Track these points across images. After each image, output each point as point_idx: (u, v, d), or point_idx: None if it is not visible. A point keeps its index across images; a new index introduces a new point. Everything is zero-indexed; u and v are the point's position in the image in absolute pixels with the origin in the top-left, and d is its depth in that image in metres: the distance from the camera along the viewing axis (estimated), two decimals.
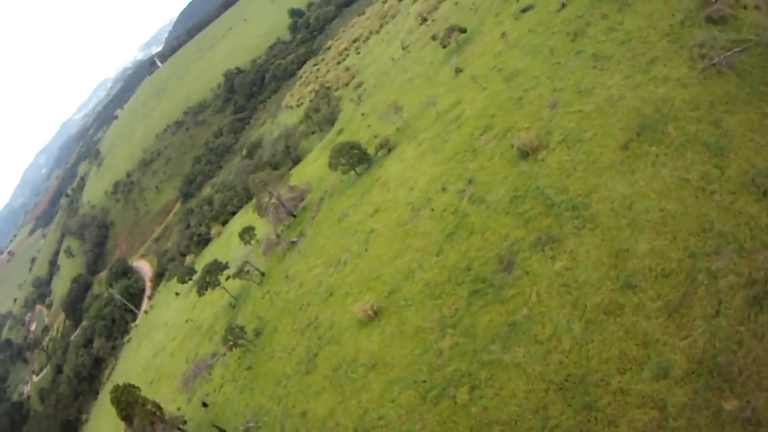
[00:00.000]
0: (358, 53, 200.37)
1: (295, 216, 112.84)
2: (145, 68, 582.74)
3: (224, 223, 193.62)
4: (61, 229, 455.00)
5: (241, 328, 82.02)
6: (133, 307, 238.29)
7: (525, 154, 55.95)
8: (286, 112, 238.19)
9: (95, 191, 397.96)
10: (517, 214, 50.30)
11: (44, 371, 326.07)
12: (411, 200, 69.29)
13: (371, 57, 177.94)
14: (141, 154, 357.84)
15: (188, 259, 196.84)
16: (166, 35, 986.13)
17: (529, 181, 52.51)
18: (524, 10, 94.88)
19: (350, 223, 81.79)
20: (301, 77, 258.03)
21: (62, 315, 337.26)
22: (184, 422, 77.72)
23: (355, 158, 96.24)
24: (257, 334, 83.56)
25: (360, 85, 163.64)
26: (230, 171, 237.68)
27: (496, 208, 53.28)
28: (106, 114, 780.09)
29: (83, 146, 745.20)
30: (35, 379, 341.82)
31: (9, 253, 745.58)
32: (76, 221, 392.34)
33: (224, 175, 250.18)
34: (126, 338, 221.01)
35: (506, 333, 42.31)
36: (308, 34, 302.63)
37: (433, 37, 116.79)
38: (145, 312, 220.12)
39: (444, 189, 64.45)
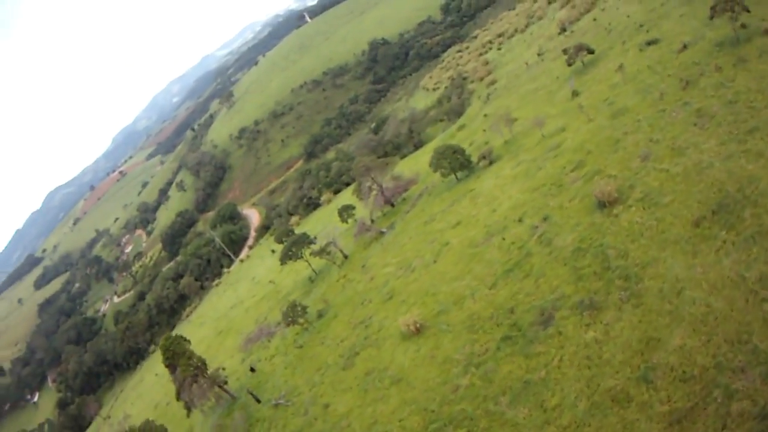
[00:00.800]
0: (500, 49, 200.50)
1: (393, 205, 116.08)
2: (294, 20, 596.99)
3: (336, 192, 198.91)
4: (180, 161, 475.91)
5: (303, 308, 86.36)
6: (231, 254, 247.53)
7: (602, 204, 56.02)
8: (422, 94, 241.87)
9: (220, 132, 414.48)
10: (573, 267, 50.66)
11: (126, 295, 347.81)
12: (489, 223, 71.06)
13: (510, 55, 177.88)
14: (273, 105, 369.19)
15: (293, 219, 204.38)
16: None
17: (597, 235, 52.77)
18: (649, 43, 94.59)
19: (433, 229, 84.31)
20: (443, 61, 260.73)
21: (159, 245, 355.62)
22: (225, 382, 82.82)
23: (456, 163, 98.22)
24: (319, 316, 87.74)
25: (493, 83, 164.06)
26: (355, 141, 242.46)
27: (557, 256, 53.85)
28: (248, 57, 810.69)
29: (219, 84, 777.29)
30: (116, 300, 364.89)
31: (120, 172, 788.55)
32: (195, 157, 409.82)
33: (350, 142, 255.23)
34: (215, 282, 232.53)
35: (518, 389, 43.13)
36: (458, 18, 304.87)
37: (564, 51, 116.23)
38: (241, 261, 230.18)
39: (520, 220, 65.75)
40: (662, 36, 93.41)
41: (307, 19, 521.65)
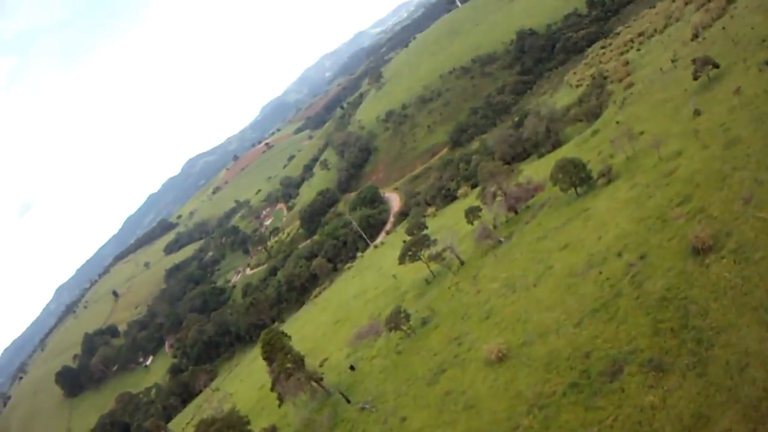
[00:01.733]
0: (639, 50, 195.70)
1: (516, 213, 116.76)
2: (445, 4, 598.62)
3: (474, 186, 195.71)
4: (326, 138, 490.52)
5: (407, 315, 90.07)
6: (366, 238, 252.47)
7: (696, 251, 55.36)
8: (565, 89, 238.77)
9: (368, 113, 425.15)
10: (654, 319, 51.01)
11: (259, 268, 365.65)
12: (593, 251, 71.61)
13: (649, 58, 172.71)
14: (421, 90, 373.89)
15: (430, 210, 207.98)
16: None
17: (684, 285, 52.58)
18: None
19: (543, 248, 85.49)
20: (587, 56, 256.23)
21: (297, 222, 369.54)
22: (321, 379, 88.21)
23: (575, 179, 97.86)
24: (423, 323, 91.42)
25: (630, 86, 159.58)
26: (497, 134, 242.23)
27: (643, 302, 54.15)
28: (401, 36, 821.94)
29: (372, 62, 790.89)
30: (248, 272, 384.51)
31: (266, 144, 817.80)
32: (341, 136, 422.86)
33: (493, 134, 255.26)
34: (348, 265, 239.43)
35: None
36: (603, 12, 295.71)
37: (693, 62, 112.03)
38: (375, 246, 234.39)
39: (620, 254, 65.97)
40: None
41: (458, 3, 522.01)
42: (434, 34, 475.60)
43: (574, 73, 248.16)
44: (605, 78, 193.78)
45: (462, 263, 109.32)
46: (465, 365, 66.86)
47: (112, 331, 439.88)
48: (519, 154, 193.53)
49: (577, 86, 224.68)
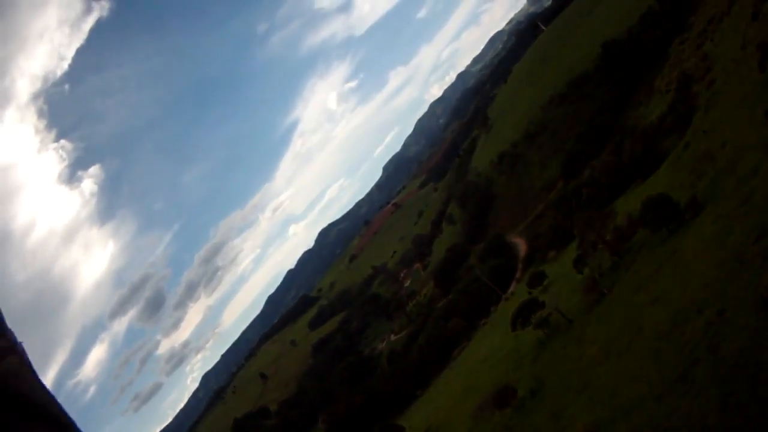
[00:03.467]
0: (712, 40, 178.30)
1: (620, 256, 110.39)
2: (531, 29, 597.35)
3: (587, 224, 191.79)
4: (448, 190, 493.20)
5: (514, 391, 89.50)
6: (498, 290, 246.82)
7: (767, 304, 49.46)
8: (657, 97, 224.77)
9: (482, 158, 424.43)
10: (723, 392, 46.78)
11: (402, 333, 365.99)
12: (678, 306, 66.97)
13: (723, 47, 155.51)
14: (526, 125, 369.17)
15: (550, 254, 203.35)
16: None
17: (756, 347, 47.73)
18: None
19: (637, 302, 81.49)
20: (669, 57, 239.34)
21: (432, 282, 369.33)
22: None
23: (665, 217, 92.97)
24: (532, 395, 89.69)
25: (711, 83, 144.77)
26: (601, 162, 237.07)
27: (717, 371, 49.80)
28: (501, 69, 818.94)
29: (479, 101, 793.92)
30: (392, 338, 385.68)
31: (395, 204, 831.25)
32: (461, 187, 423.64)
33: (599, 161, 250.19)
34: (482, 321, 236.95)
35: None
36: (673, 3, 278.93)
37: (758, 48, 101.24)
38: (506, 299, 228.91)
39: (700, 311, 61.06)
40: None
41: (542, 27, 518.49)
42: (527, 64, 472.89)
43: (662, 77, 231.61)
44: (689, 77, 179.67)
45: (570, 322, 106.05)
46: None
47: (263, 413, 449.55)
48: (623, 180, 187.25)
49: (667, 91, 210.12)
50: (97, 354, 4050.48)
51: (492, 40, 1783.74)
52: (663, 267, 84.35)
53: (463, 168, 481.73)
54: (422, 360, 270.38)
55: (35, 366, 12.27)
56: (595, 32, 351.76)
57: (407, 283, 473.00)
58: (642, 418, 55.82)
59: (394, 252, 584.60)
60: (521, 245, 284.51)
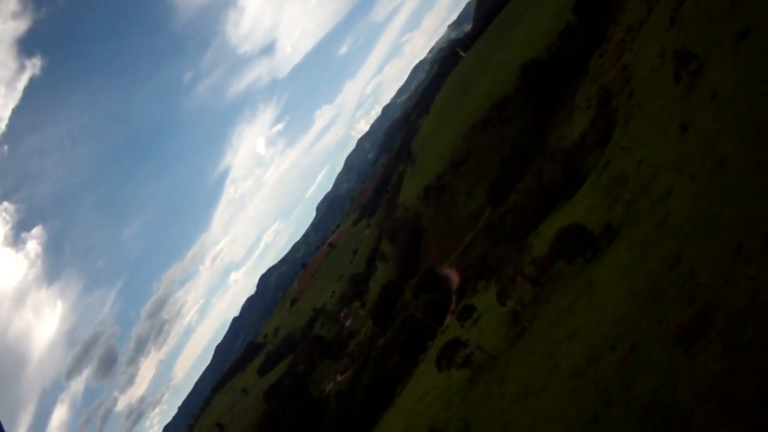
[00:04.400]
0: (631, 49, 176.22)
1: (541, 286, 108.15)
2: (452, 57, 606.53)
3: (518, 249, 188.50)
4: (380, 227, 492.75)
5: None
6: (433, 324, 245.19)
7: (681, 339, 48.40)
8: (578, 114, 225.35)
9: (409, 192, 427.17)
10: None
11: (347, 373, 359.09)
12: (593, 342, 66.91)
13: (642, 55, 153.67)
14: (450, 155, 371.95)
15: (480, 284, 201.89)
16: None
17: (669, 385, 47.18)
18: (741, 36, 76.27)
19: (555, 338, 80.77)
20: (590, 71, 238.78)
21: (370, 321, 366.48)
22: None
23: (578, 247, 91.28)
24: None
25: (630, 95, 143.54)
26: (526, 185, 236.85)
27: (631, 411, 49.71)
28: (425, 100, 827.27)
29: (406, 133, 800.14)
30: (339, 378, 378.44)
31: (329, 244, 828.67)
32: (390, 224, 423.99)
33: (527, 181, 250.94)
34: (421, 357, 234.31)
35: None
36: (590, 17, 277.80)
37: (674, 56, 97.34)
38: (441, 332, 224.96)
39: (613, 347, 60.62)
40: (755, 20, 75.45)
41: (461, 54, 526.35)
42: (448, 92, 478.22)
43: (582, 93, 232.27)
44: (608, 92, 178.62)
45: (494, 359, 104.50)
46: None
47: None
48: (547, 203, 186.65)
49: (587, 107, 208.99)
50: (59, 415, 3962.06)
51: (415, 70, 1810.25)
52: (579, 299, 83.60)
53: (391, 203, 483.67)
54: (367, 399, 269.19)
55: None
56: (515, 54, 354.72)
57: (348, 323, 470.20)
58: None
59: (333, 292, 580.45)
60: (453, 276, 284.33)
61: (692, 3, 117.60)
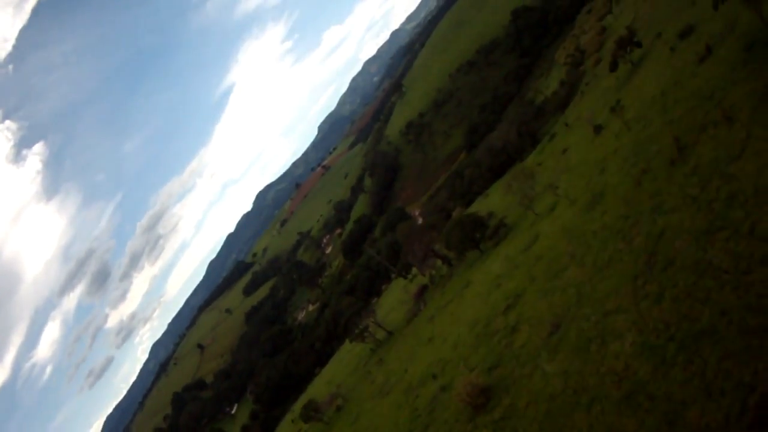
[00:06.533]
0: (612, 12, 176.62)
1: (451, 264, 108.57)
2: None
3: (468, 203, 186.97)
4: (365, 157, 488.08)
5: (316, 408, 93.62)
6: (392, 267, 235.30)
7: (474, 408, 46.11)
8: (556, 69, 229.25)
9: (394, 127, 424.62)
10: None
11: (317, 304, 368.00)
12: (430, 360, 67.97)
13: (622, 20, 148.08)
14: (435, 94, 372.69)
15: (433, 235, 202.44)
16: None
17: None
18: (683, 35, 74.50)
19: (421, 337, 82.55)
20: (575, 26, 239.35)
21: (341, 254, 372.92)
22: None
23: (467, 242, 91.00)
24: (338, 409, 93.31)
25: (597, 62, 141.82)
26: (491, 138, 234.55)
27: None
28: (431, 29, 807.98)
29: (409, 60, 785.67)
30: (310, 308, 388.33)
31: (323, 167, 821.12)
32: (371, 156, 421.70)
33: (500, 130, 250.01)
34: (374, 300, 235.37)
35: None
36: None
37: (616, 43, 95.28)
38: (394, 277, 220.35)
39: (435, 377, 61.39)
40: (698, 20, 73.78)
41: None
42: (443, 29, 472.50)
43: (564, 48, 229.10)
44: (582, 53, 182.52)
45: (390, 333, 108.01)
46: None
47: (200, 385, 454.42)
48: (504, 162, 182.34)
49: (563, 64, 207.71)
50: (50, 333, 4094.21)
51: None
52: (452, 302, 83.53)
53: (380, 133, 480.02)
54: (328, 336, 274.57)
55: None
56: None
57: (329, 250, 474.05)
58: None
59: (321, 215, 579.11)
60: (419, 219, 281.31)
61: None
